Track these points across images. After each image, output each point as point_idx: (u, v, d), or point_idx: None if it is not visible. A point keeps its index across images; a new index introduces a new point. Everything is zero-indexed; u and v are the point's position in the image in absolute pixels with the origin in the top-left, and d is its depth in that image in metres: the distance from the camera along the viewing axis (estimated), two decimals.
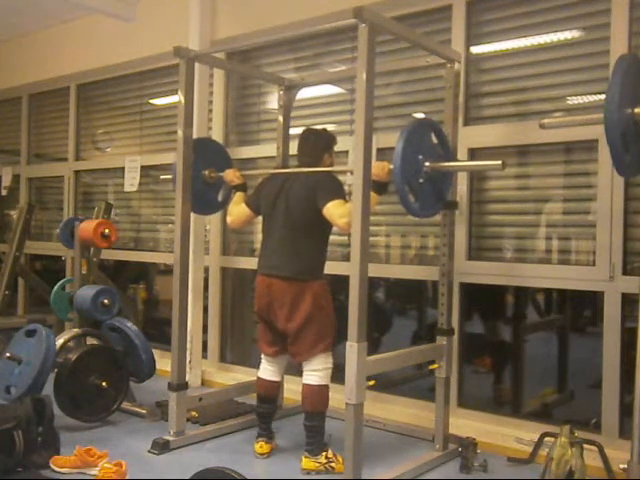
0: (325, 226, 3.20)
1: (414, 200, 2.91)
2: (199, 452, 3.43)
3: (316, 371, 3.20)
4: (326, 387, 3.21)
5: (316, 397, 3.19)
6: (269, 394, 3.44)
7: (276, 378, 3.46)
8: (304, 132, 3.47)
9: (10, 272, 5.42)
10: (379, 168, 2.95)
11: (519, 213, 3.68)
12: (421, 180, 2.92)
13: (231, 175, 3.66)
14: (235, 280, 5.02)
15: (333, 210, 3.07)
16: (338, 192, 3.13)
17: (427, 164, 2.93)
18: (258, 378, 3.48)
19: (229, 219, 3.60)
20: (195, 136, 3.91)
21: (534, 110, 3.59)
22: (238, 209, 3.53)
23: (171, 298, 3.57)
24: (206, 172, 3.78)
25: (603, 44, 3.32)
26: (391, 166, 2.86)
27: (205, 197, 3.85)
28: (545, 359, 3.76)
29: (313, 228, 3.22)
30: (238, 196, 3.60)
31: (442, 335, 3.35)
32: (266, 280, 3.27)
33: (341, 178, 3.36)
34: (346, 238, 4.06)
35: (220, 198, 3.96)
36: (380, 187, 2.99)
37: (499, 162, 2.86)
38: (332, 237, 3.38)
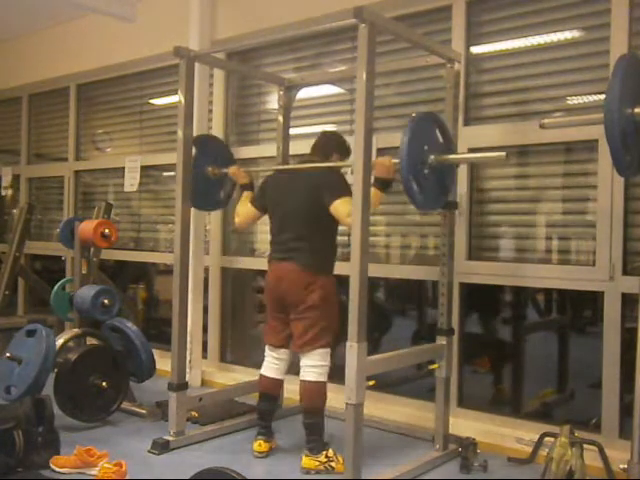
0: (332, 223, 3.20)
1: (419, 192, 2.88)
2: (199, 452, 3.43)
3: (315, 367, 3.21)
4: (324, 384, 3.23)
5: (314, 394, 3.20)
6: (271, 391, 3.45)
7: (279, 376, 3.46)
8: (319, 134, 3.53)
9: (10, 272, 5.42)
10: (383, 165, 2.96)
11: (519, 213, 3.68)
12: (426, 171, 2.91)
13: (236, 172, 3.67)
14: (235, 280, 5.02)
15: (341, 208, 3.07)
16: (345, 189, 3.12)
17: (432, 157, 2.92)
18: (261, 375, 3.48)
19: (236, 220, 3.62)
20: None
21: (534, 110, 3.59)
22: (245, 209, 3.55)
23: (171, 298, 3.57)
24: (209, 168, 3.78)
25: (603, 44, 3.32)
26: (395, 160, 2.86)
27: (208, 193, 3.86)
28: (545, 359, 3.75)
29: (321, 225, 3.23)
30: (245, 196, 3.61)
31: (442, 335, 3.35)
32: (278, 264, 3.29)
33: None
34: (346, 238, 4.06)
35: (222, 195, 3.96)
36: (384, 184, 3.00)
37: (503, 154, 2.87)
38: None
